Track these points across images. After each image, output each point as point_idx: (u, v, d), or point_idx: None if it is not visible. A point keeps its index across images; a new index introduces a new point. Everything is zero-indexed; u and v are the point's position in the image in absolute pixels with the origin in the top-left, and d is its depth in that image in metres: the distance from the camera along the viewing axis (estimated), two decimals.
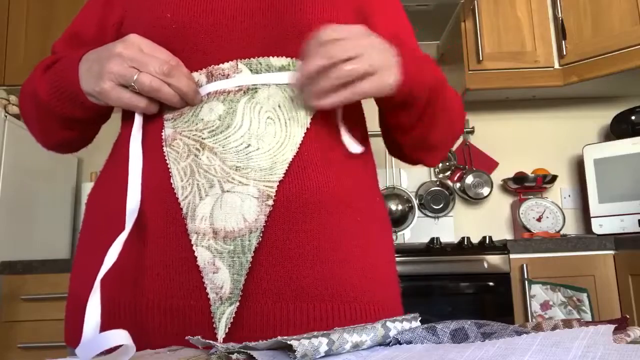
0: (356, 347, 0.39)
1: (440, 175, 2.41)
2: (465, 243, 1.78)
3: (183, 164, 0.58)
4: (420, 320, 0.45)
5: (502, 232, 2.34)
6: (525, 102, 2.40)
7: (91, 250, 0.61)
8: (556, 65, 2.10)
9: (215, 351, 0.37)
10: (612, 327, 0.35)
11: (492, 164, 2.39)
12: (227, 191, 0.55)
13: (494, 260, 1.72)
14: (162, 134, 0.60)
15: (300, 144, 0.58)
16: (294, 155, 0.57)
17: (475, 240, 1.82)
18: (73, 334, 0.61)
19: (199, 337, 0.40)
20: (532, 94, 2.31)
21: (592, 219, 2.05)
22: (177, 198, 0.56)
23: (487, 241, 1.79)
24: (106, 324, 0.50)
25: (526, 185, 2.24)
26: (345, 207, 0.60)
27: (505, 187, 2.35)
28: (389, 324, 0.42)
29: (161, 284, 0.56)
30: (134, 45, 0.58)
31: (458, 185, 2.37)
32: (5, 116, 1.82)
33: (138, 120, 0.61)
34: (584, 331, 0.34)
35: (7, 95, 2.04)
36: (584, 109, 2.39)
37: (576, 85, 2.09)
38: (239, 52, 0.61)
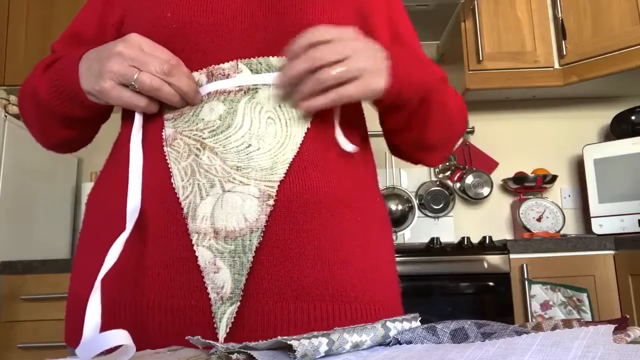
0: (356, 347, 0.39)
1: (440, 175, 2.41)
2: (465, 243, 1.78)
3: (184, 163, 0.58)
4: (420, 320, 0.45)
5: (502, 232, 2.34)
6: (525, 102, 2.40)
7: (91, 251, 0.61)
8: (556, 65, 2.10)
9: (215, 351, 0.37)
10: (612, 327, 0.35)
11: (492, 164, 2.39)
12: (228, 191, 0.55)
13: (494, 260, 1.72)
14: (163, 133, 0.60)
15: (300, 144, 0.58)
16: (295, 155, 0.57)
17: (475, 240, 1.82)
18: (73, 334, 0.61)
19: (199, 337, 0.40)
20: (532, 94, 2.31)
21: (592, 219, 2.05)
22: (178, 198, 0.56)
23: (487, 241, 1.79)
24: (106, 324, 0.50)
25: (526, 185, 2.24)
26: (345, 207, 0.60)
27: (505, 187, 2.35)
28: (389, 324, 0.42)
29: (162, 284, 0.56)
30: (135, 44, 0.58)
31: (458, 185, 2.37)
32: (5, 116, 1.82)
33: (138, 120, 0.61)
34: (584, 331, 0.34)
35: (7, 95, 2.04)
36: (584, 109, 2.39)
37: (576, 85, 2.09)
38: (240, 52, 0.61)
